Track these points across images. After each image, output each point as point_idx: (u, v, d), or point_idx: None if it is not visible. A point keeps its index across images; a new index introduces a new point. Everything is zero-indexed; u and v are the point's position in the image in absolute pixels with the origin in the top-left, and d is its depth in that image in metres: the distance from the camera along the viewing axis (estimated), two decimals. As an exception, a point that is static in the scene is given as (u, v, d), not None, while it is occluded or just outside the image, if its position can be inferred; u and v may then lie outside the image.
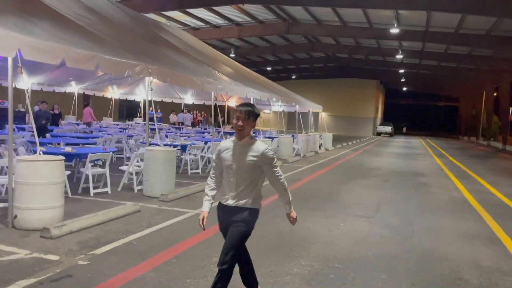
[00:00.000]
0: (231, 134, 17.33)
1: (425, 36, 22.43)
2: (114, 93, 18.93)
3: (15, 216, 5.26)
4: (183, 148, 11.02)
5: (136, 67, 7.43)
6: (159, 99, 20.23)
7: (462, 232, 6.47)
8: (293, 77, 45.81)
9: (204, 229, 3.25)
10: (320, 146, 20.92)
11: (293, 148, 16.96)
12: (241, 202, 3.23)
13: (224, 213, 3.30)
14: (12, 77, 5.53)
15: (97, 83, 16.28)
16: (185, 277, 4.10)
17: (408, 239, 5.92)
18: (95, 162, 8.11)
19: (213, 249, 4.93)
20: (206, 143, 12.19)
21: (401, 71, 38.23)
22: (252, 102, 13.59)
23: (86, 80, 15.79)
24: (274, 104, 19.62)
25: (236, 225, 3.21)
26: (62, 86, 16.06)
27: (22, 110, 16.14)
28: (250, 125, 3.22)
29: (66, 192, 6.89)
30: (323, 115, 39.28)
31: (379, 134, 46.64)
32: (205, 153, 11.76)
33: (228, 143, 3.29)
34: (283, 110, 21.05)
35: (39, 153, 5.56)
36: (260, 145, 3.22)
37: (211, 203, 3.36)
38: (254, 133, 16.18)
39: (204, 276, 4.14)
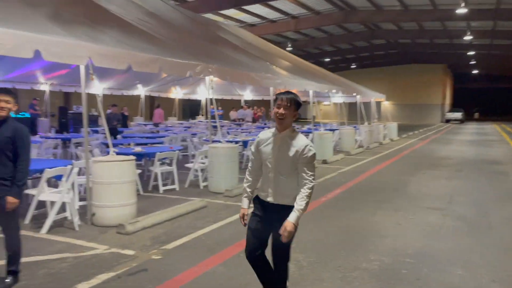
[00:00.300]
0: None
1: (496, 14, 20.78)
2: (177, 93, 19.61)
3: (94, 214, 5.64)
4: (245, 144, 11.16)
5: (196, 67, 7.63)
6: (220, 97, 20.65)
7: (548, 223, 5.94)
8: (353, 66, 44.61)
9: (245, 225, 3.07)
10: (384, 137, 20.21)
11: (356, 140, 16.54)
12: (284, 201, 2.93)
13: (264, 210, 3.03)
14: (85, 83, 5.91)
15: (161, 84, 16.95)
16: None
17: (485, 231, 5.55)
18: (163, 160, 8.46)
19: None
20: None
21: (470, 53, 35.73)
22: (311, 95, 13.45)
23: (151, 83, 16.51)
24: (334, 96, 19.26)
25: (279, 226, 2.86)
26: (130, 89, 16.93)
27: (95, 114, 17.25)
28: (292, 115, 2.92)
29: (138, 190, 7.27)
30: (387, 104, 37.93)
31: (448, 121, 44.08)
32: (267, 148, 11.82)
33: (267, 134, 3.03)
34: (343, 102, 20.60)
35: (112, 154, 5.90)
36: (302, 139, 2.92)
37: (250, 200, 3.15)
38: (314, 125, 16.00)
39: (271, 271, 4.15)
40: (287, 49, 26.36)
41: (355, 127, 17.24)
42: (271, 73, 10.74)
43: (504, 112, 67.63)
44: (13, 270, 3.75)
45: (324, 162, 12.09)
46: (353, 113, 19.97)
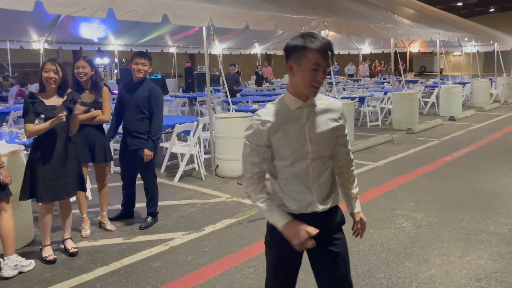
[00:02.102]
0: (413, 82, 16.13)
1: None
2: (292, 50, 19.63)
3: (217, 166, 6.13)
4: (361, 100, 10.80)
5: (312, 22, 7.49)
6: (336, 52, 20.06)
7: None
8: (491, 10, 39.03)
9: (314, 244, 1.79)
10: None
11: (491, 94, 14.76)
12: (336, 199, 1.96)
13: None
14: (207, 44, 6.26)
15: (277, 42, 17.09)
16: (368, 227, 4.14)
17: None
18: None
19: (396, 202, 4.82)
20: (385, 93, 11.66)
21: None
22: (438, 45, 12.24)
23: (267, 41, 16.75)
24: (466, 45, 17.22)
25: (341, 243, 1.93)
26: (247, 48, 17.43)
27: (217, 73, 18.26)
28: None
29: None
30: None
31: None
32: (385, 104, 11.28)
33: (278, 113, 1.82)
34: (477, 51, 18.31)
35: (232, 111, 6.26)
36: (335, 101, 1.95)
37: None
38: (441, 79, 14.63)
39: (387, 227, 4.11)
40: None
41: (490, 79, 15.34)
42: (392, 23, 10.02)
43: None
44: (152, 211, 4.34)
45: (451, 118, 11.12)
46: (490, 64, 17.73)
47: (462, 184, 5.48)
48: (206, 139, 7.37)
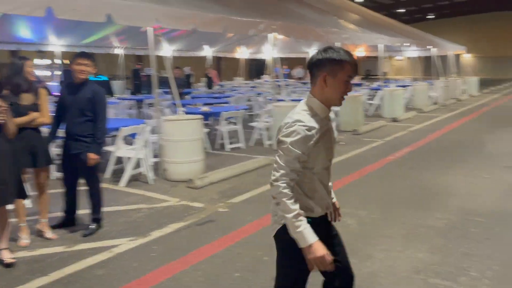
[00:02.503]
0: (359, 85, 16.69)
1: None
2: (242, 53, 19.68)
3: (165, 169, 6.02)
4: (311, 102, 11.03)
5: (259, 25, 7.58)
6: (285, 56, 20.37)
7: None
8: (430, 17, 41.37)
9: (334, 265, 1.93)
10: (463, 92, 18.83)
11: (430, 96, 15.62)
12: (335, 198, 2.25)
13: (325, 227, 2.08)
14: (153, 45, 6.14)
15: (226, 44, 17.09)
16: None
17: None
18: (229, 119, 8.68)
19: (341, 200, 4.96)
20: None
21: None
22: (381, 49, 12.78)
23: (217, 43, 16.70)
24: (407, 50, 18.14)
25: (339, 236, 2.17)
26: (197, 50, 17.28)
27: (166, 75, 17.93)
28: None
29: (206, 148, 7.59)
30: (468, 57, 35.00)
31: (538, 74, 39.82)
32: (333, 106, 11.62)
33: (316, 121, 1.91)
34: (418, 56, 19.36)
35: (181, 114, 6.18)
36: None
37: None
38: (384, 82, 15.30)
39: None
40: (356, 0, 25.03)
41: (430, 82, 16.23)
42: (338, 27, 10.35)
43: None
44: (95, 218, 4.19)
45: (394, 120, 11.65)
46: (430, 68, 18.76)
47: (403, 182, 5.75)
48: (156, 142, 7.22)
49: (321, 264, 1.84)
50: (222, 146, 8.19)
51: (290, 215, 1.83)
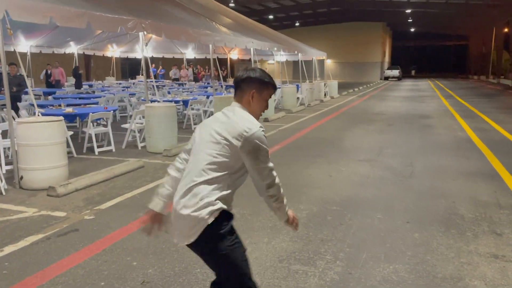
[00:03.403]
0: (233, 87, 17.20)
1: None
2: (114, 51, 18.73)
3: (21, 177, 5.42)
4: (185, 103, 11.02)
5: (128, 23, 7.31)
6: (160, 55, 19.99)
7: (462, 170, 6.51)
8: (297, 24, 44.61)
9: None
10: (325, 94, 20.72)
11: (297, 98, 16.84)
12: None
13: None
14: (2, 40, 5.48)
15: (96, 42, 16.08)
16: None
17: (407, 179, 6.00)
18: (98, 121, 8.19)
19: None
20: (208, 97, 12.17)
21: (408, 11, 36.88)
22: (252, 53, 13.36)
23: (85, 40, 15.61)
24: (277, 54, 19.28)
25: None
26: (61, 47, 15.92)
27: (22, 74, 16.07)
28: None
29: (70, 152, 7.05)
30: (329, 63, 38.61)
31: (386, 78, 45.86)
32: (208, 107, 11.76)
33: None
34: (286, 60, 20.69)
35: (38, 115, 5.62)
36: None
37: None
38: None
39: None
40: (230, 5, 25.74)
41: (297, 85, 17.49)
42: (210, 29, 10.50)
43: (438, 69, 71.26)
44: None
45: (266, 120, 12.27)
46: (297, 72, 20.20)
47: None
48: (9, 148, 6.45)
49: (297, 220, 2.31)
50: (90, 150, 7.69)
51: (285, 201, 2.22)
